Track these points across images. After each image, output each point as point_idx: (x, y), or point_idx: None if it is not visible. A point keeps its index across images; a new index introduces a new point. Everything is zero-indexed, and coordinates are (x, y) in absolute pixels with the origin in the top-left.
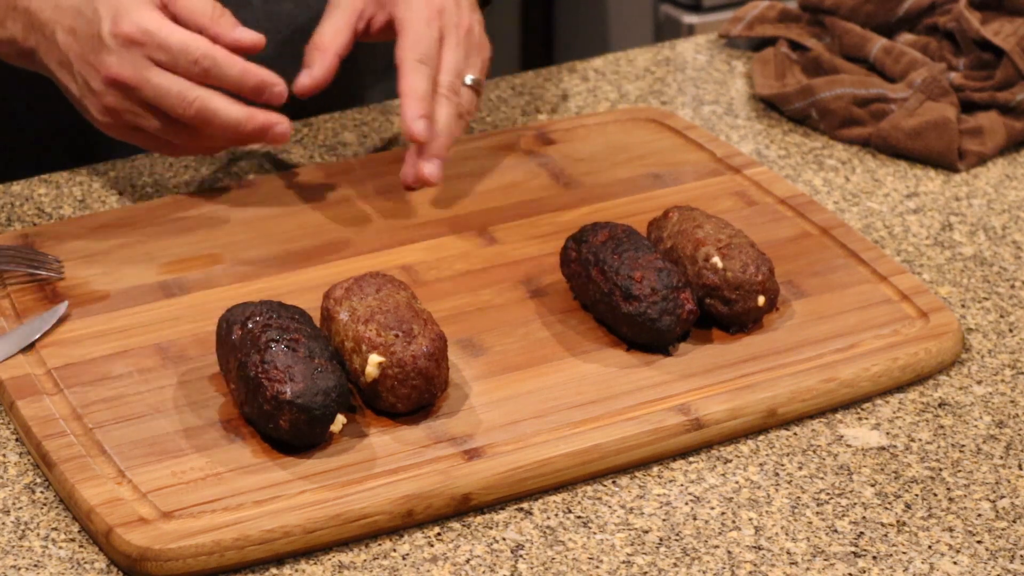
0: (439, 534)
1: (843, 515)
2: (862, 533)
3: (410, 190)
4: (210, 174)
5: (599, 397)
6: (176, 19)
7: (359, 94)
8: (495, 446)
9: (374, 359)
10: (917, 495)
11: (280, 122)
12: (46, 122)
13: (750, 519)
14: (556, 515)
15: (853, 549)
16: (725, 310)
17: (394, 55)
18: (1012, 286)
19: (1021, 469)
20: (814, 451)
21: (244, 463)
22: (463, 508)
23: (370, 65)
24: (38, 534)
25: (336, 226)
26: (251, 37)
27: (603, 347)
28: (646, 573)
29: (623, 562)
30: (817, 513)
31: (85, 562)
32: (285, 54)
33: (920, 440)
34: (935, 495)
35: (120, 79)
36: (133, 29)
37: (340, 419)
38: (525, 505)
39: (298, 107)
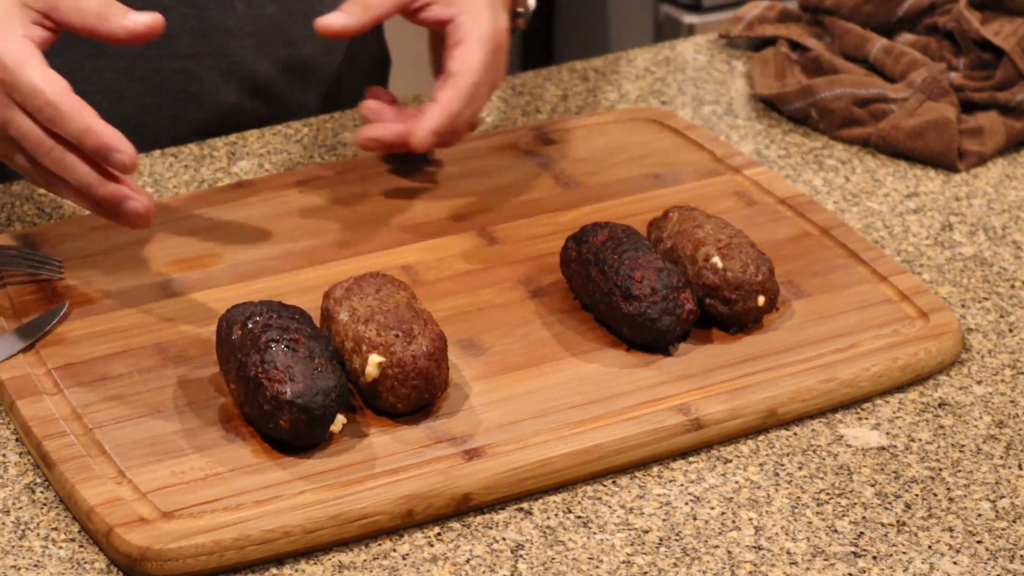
0: (439, 534)
1: (843, 515)
2: (862, 533)
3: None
4: (210, 174)
5: (599, 397)
6: (63, 25)
7: (340, 96)
8: (495, 446)
9: (374, 359)
10: (917, 495)
11: (134, 198)
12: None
13: (750, 519)
14: (556, 515)
15: (853, 549)
16: (725, 310)
17: (445, 62)
18: (1012, 286)
19: (1021, 469)
20: (814, 451)
21: (244, 463)
22: (463, 508)
23: (353, 67)
24: (38, 534)
25: (336, 226)
26: (146, 21)
27: (603, 347)
28: (646, 573)
29: (623, 562)
30: (817, 513)
31: (85, 562)
32: (266, 55)
33: (920, 440)
34: (935, 495)
35: None
36: None
37: (340, 419)
38: (525, 505)
39: (277, 111)
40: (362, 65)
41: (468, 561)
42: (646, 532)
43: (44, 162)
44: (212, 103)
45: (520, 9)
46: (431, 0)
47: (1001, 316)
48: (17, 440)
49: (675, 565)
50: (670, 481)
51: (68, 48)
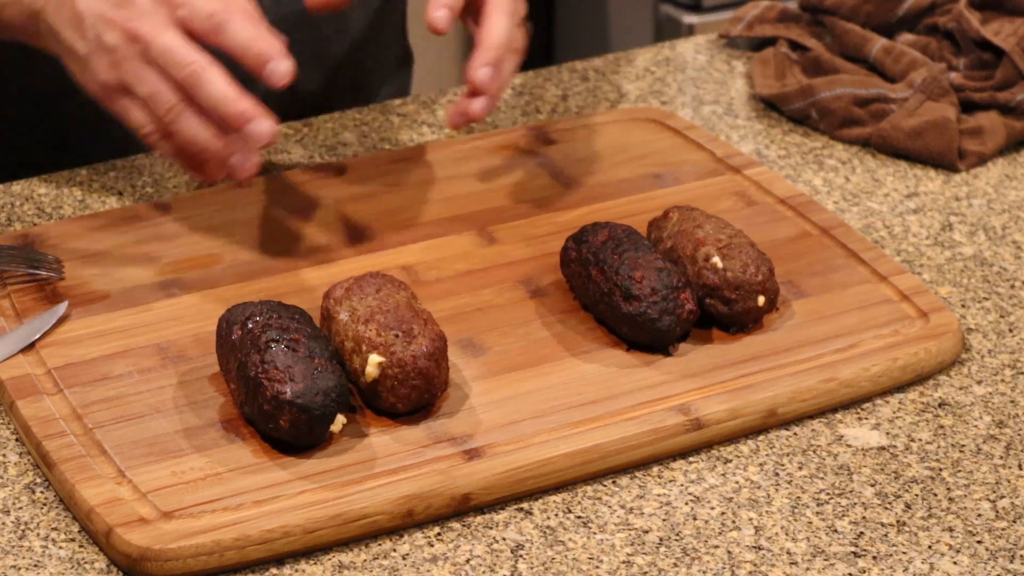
0: (439, 534)
1: (843, 515)
2: (862, 533)
3: (456, 127)
4: None
5: (599, 397)
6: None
7: (366, 94)
8: (495, 446)
9: (374, 359)
10: (917, 495)
11: (261, 119)
12: (46, 122)
13: (750, 519)
14: (556, 515)
15: (853, 549)
16: (725, 310)
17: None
18: (1012, 286)
19: (1021, 469)
20: (814, 451)
21: (244, 463)
22: (463, 508)
23: (378, 64)
24: (38, 534)
25: (336, 226)
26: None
27: (603, 347)
28: (646, 573)
29: (623, 562)
30: (817, 513)
31: (85, 562)
32: (293, 51)
33: (920, 440)
34: (935, 495)
35: (137, 33)
36: None
37: (340, 419)
38: (525, 505)
39: (302, 107)
40: (387, 64)
41: (468, 561)
42: (646, 532)
43: (180, 75)
44: None
45: None
46: None
47: (1001, 316)
48: (17, 440)
49: (675, 565)
50: (670, 481)
51: None
